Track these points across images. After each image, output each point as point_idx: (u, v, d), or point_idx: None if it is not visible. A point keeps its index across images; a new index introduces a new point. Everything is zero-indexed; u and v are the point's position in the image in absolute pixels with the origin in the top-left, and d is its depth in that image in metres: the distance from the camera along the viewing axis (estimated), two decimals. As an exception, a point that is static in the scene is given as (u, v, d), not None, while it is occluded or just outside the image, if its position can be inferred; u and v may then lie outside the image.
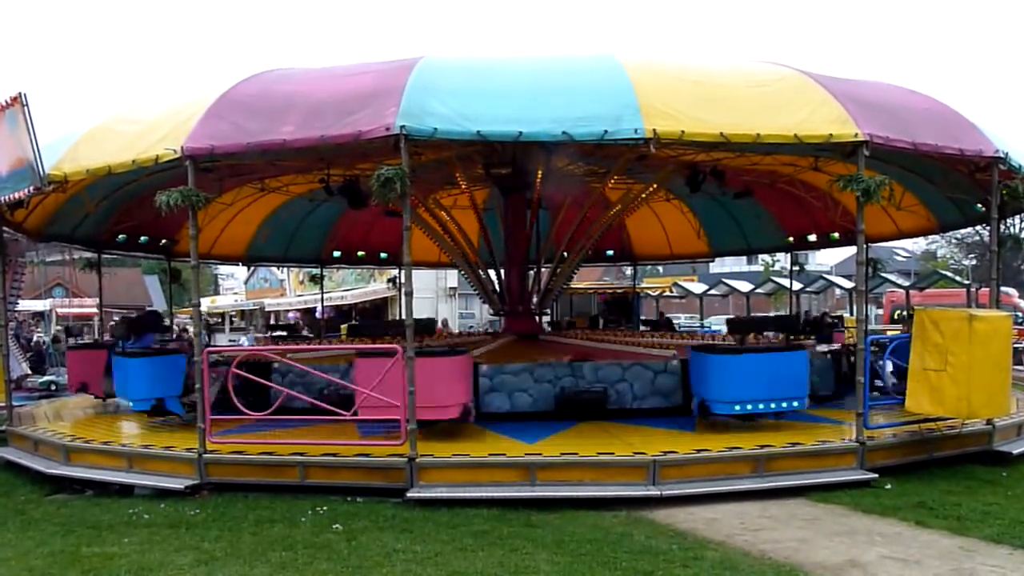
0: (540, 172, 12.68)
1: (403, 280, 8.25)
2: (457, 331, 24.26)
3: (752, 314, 28.34)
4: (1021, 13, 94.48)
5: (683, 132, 7.93)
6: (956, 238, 42.82)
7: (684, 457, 7.94)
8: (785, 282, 26.76)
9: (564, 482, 7.70)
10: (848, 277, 31.00)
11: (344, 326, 25.29)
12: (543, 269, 15.01)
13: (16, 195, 9.27)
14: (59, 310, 32.13)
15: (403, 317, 8.60)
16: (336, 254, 19.36)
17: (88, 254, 15.11)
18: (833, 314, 22.41)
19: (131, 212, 12.93)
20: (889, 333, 13.73)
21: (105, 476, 8.61)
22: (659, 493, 7.50)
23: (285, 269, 39.72)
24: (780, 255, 28.74)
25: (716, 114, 8.22)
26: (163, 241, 15.24)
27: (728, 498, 7.57)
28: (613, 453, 7.97)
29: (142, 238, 14.71)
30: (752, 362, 9.01)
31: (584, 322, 23.20)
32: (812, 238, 16.70)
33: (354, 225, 17.99)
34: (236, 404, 8.41)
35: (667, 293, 35.48)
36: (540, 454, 8.03)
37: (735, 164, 12.28)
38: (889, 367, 9.42)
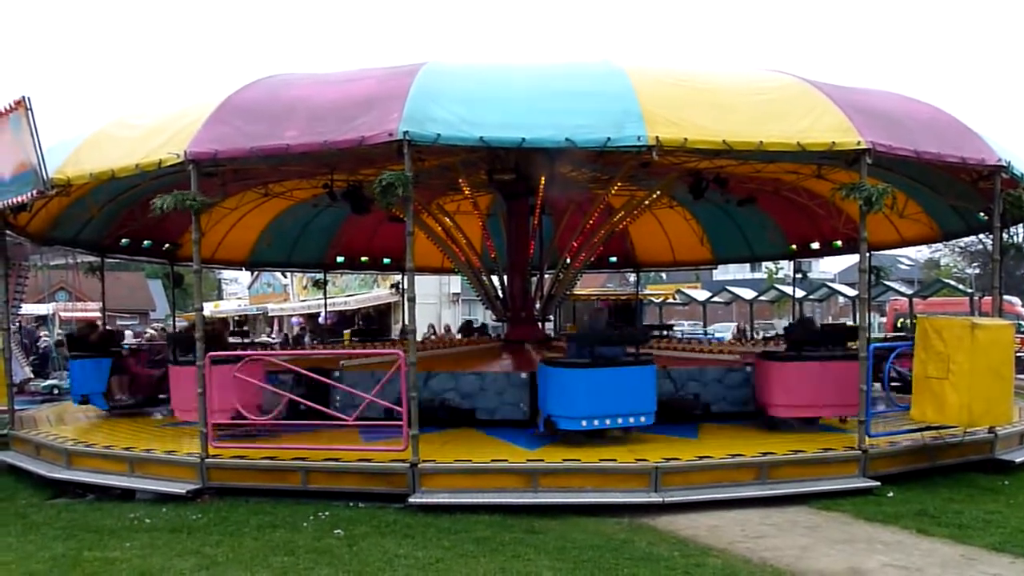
0: (543, 178, 12.69)
1: (406, 286, 8.26)
2: (459, 337, 24.26)
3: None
4: (1022, 20, 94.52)
5: (686, 139, 7.95)
6: (959, 247, 42.68)
7: (686, 464, 7.93)
8: (788, 290, 26.73)
9: (566, 488, 7.69)
10: (851, 285, 30.94)
11: (347, 332, 25.32)
12: (546, 275, 15.01)
13: (19, 199, 9.30)
14: (62, 314, 32.17)
15: (406, 322, 8.63)
16: (339, 259, 19.38)
17: (91, 258, 15.13)
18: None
19: (134, 216, 12.95)
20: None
21: (107, 480, 8.63)
22: (661, 500, 7.50)
23: (288, 274, 39.75)
24: (783, 263, 28.71)
25: (719, 122, 8.22)
26: (166, 246, 15.25)
27: (730, 505, 7.56)
28: (615, 460, 7.95)
29: (145, 242, 14.72)
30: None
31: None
32: (815, 246, 16.68)
33: (357, 230, 18.00)
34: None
35: (670, 300, 35.46)
36: (542, 460, 8.02)
37: (738, 171, 12.28)
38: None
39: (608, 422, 8.70)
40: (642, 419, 8.83)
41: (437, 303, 37.48)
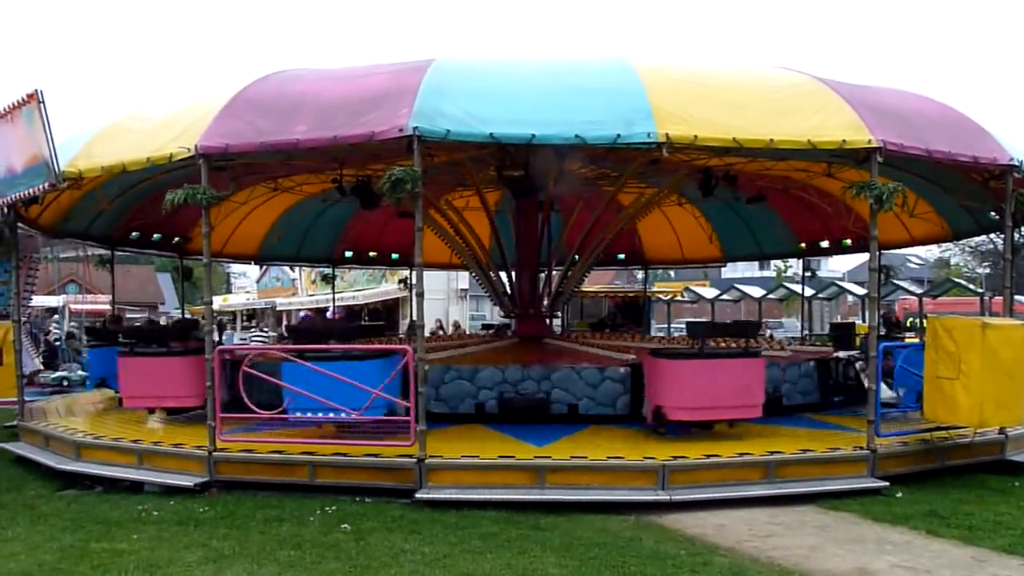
0: (552, 175, 12.66)
1: (414, 281, 8.25)
2: (468, 332, 24.30)
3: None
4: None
5: (696, 137, 7.91)
6: (969, 246, 42.45)
7: (694, 462, 7.91)
8: (797, 288, 26.64)
9: (573, 485, 7.68)
10: (860, 284, 30.82)
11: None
12: (554, 272, 14.99)
13: (31, 191, 9.34)
14: (72, 306, 32.34)
15: (415, 318, 8.63)
16: (348, 254, 19.40)
17: (101, 251, 15.18)
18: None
19: (144, 210, 12.99)
20: (907, 340, 13.63)
21: (115, 472, 8.65)
22: (668, 498, 7.48)
23: (297, 269, 39.87)
24: (792, 261, 28.60)
25: (729, 119, 8.18)
26: (176, 239, 15.29)
27: (738, 504, 7.54)
28: (623, 457, 7.95)
29: (155, 236, 14.77)
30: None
31: (586, 325, 22.98)
32: (825, 244, 16.62)
33: (366, 226, 18.02)
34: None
35: (678, 297, 35.37)
36: (549, 457, 8.02)
37: (748, 169, 12.23)
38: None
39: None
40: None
41: (445, 299, 37.52)
